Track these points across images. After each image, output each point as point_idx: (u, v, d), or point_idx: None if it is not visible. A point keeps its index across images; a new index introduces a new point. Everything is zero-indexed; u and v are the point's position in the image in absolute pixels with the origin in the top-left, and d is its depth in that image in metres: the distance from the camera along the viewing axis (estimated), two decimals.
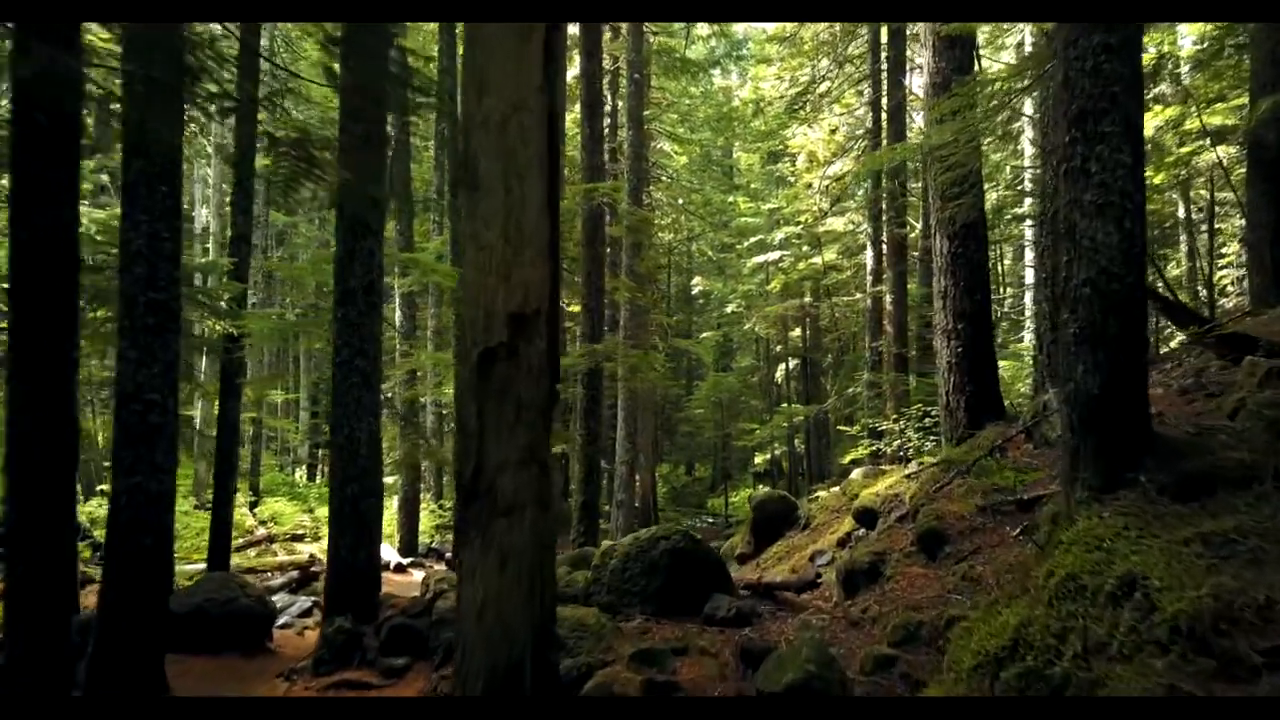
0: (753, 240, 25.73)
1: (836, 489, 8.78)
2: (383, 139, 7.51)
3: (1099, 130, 4.27)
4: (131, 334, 5.18)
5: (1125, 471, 3.90)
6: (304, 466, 30.03)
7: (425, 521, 17.08)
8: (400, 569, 15.52)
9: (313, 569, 13.79)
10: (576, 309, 15.81)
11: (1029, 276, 21.98)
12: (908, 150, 10.34)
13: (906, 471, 7.13)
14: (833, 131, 21.99)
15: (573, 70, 14.97)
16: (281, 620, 9.23)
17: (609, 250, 17.45)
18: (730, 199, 26.56)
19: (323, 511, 21.88)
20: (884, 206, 16.70)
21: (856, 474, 12.81)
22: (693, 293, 36.90)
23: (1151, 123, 11.13)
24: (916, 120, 22.30)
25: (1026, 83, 6.35)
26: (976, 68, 8.00)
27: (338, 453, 6.86)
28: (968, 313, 7.79)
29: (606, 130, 23.77)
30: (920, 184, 18.97)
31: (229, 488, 9.45)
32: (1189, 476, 3.73)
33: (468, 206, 2.96)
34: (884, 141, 17.36)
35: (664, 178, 24.00)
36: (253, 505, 19.57)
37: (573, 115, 18.98)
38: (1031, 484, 5.42)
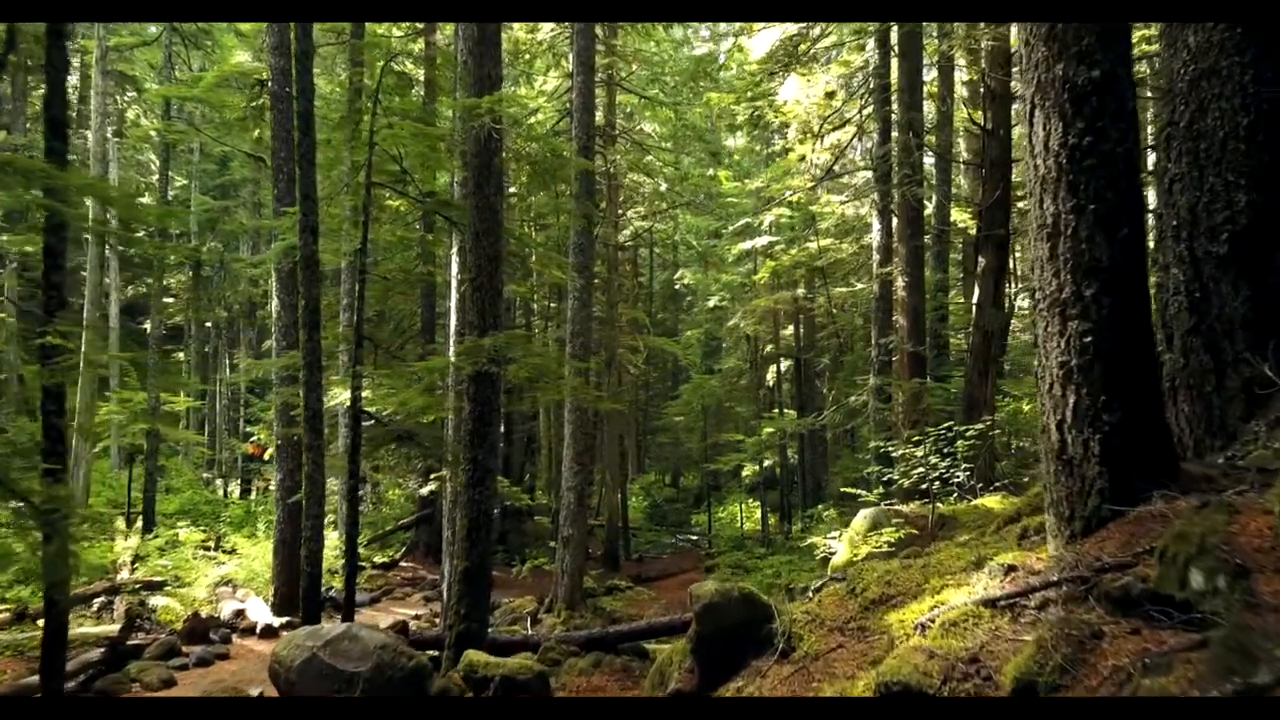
0: (738, 225, 22.16)
1: (840, 581, 5.21)
2: None
3: None
4: None
5: None
6: (237, 481, 26.51)
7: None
8: (269, 633, 11.87)
9: (131, 642, 10.23)
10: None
11: None
12: None
13: (983, 591, 3.51)
14: (829, 95, 18.58)
15: None
16: None
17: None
18: (711, 173, 22.95)
19: (240, 540, 18.24)
20: (894, 165, 13.20)
21: (859, 523, 9.26)
22: (677, 288, 33.41)
23: None
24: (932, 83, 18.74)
25: None
26: None
27: None
28: (1103, 265, 3.57)
29: (567, 87, 20.24)
30: (937, 140, 15.43)
31: None
32: None
33: None
34: (894, 85, 13.86)
35: (630, 147, 20.42)
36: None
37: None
38: None
